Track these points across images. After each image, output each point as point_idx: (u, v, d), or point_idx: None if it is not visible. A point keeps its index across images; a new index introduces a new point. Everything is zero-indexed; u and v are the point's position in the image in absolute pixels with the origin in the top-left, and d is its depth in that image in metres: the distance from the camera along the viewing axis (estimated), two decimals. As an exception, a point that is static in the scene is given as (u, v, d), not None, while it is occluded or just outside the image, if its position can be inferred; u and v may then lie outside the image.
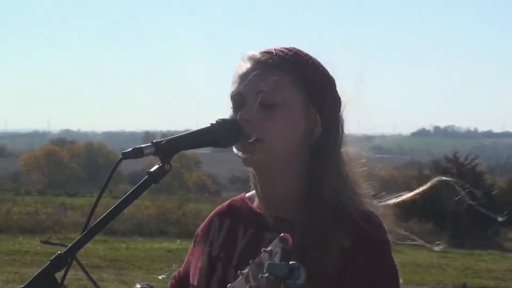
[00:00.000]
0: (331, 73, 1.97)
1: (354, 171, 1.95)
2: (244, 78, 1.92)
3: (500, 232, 30.24)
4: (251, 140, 1.87)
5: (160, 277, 15.00)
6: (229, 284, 1.63)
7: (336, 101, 1.95)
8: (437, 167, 32.44)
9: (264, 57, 1.92)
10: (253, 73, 1.91)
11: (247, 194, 2.06)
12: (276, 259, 1.45)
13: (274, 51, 1.93)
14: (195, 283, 2.01)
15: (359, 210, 1.88)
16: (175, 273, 2.17)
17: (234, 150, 1.91)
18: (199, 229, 2.12)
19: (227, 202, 2.11)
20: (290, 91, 1.89)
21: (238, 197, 2.09)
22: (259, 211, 1.98)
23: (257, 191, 1.99)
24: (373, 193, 1.97)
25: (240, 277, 1.57)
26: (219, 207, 2.11)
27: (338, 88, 1.98)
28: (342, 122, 1.96)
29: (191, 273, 2.06)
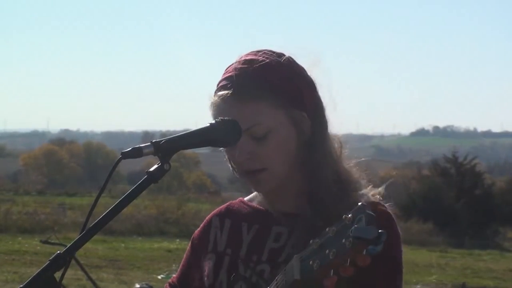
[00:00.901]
0: (297, 60, 1.98)
1: (346, 155, 1.98)
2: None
3: (499, 232, 30.24)
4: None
5: (159, 277, 15.00)
6: (296, 255, 1.61)
7: (311, 89, 1.97)
8: (436, 167, 32.46)
9: (232, 92, 1.91)
10: (231, 112, 1.89)
11: (245, 198, 2.09)
12: (361, 224, 1.44)
13: (235, 78, 1.92)
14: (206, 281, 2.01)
15: (358, 192, 1.90)
16: (170, 280, 2.17)
17: (237, 176, 1.96)
18: (196, 233, 2.13)
19: (225, 205, 2.13)
20: (271, 114, 1.91)
21: (235, 200, 2.11)
22: (263, 208, 2.01)
23: None
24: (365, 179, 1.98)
25: (311, 246, 1.56)
26: (216, 209, 2.13)
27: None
28: (321, 103, 1.98)
29: (197, 278, 2.05)
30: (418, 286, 15.56)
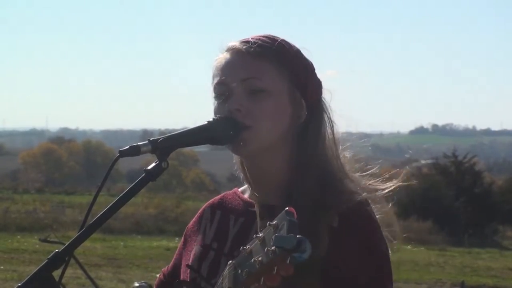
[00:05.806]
0: (308, 57, 1.99)
1: (343, 155, 1.96)
2: (226, 68, 1.92)
3: (498, 231, 30.24)
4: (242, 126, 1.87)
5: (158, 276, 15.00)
6: (230, 261, 1.61)
7: (317, 85, 1.97)
8: (436, 165, 32.43)
9: (244, 47, 1.92)
10: (235, 63, 1.91)
11: (240, 188, 2.07)
12: (283, 232, 1.42)
13: (252, 40, 1.93)
14: (186, 275, 2.00)
15: (345, 191, 1.86)
16: (164, 269, 2.17)
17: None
18: (189, 224, 2.13)
19: (219, 195, 2.12)
20: (275, 78, 1.90)
21: (230, 191, 2.10)
22: (251, 201, 1.98)
23: (246, 179, 1.99)
24: (364, 176, 1.96)
25: (243, 253, 1.54)
26: (210, 200, 2.13)
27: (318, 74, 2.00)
28: (326, 104, 1.98)
29: (181, 269, 2.05)
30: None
